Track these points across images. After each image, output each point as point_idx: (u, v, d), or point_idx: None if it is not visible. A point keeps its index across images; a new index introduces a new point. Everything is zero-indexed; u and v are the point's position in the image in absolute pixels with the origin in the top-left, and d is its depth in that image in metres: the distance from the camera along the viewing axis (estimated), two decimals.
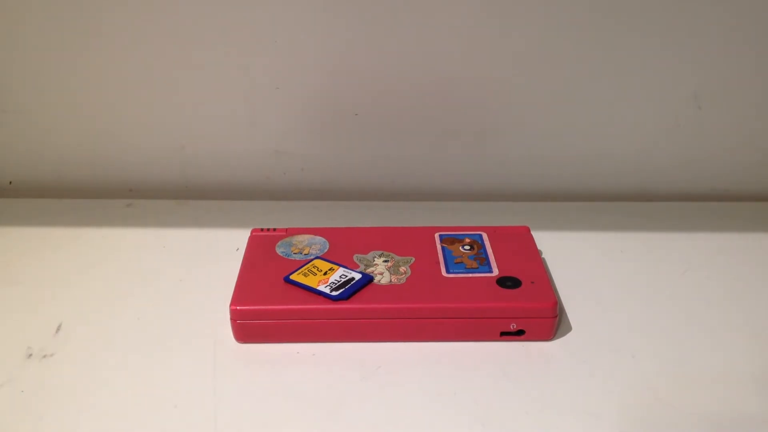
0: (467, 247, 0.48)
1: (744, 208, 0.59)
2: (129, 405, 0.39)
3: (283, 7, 0.54)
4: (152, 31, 0.55)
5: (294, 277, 0.44)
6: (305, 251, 0.48)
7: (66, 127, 0.59)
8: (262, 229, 0.50)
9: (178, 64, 0.56)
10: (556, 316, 0.43)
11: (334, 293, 0.43)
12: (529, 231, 0.50)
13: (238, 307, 0.42)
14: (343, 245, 0.48)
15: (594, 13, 0.53)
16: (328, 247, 0.48)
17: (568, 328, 0.44)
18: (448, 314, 0.43)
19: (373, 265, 0.46)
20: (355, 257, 0.47)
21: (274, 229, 0.50)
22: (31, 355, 0.42)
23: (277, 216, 0.58)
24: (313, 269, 0.45)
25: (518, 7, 0.53)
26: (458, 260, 0.46)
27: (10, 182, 0.62)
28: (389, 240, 0.48)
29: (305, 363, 0.42)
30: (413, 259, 0.47)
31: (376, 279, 0.45)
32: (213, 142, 0.60)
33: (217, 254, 0.52)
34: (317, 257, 0.47)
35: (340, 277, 0.44)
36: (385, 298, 0.43)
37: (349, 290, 0.43)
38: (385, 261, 0.46)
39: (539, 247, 0.49)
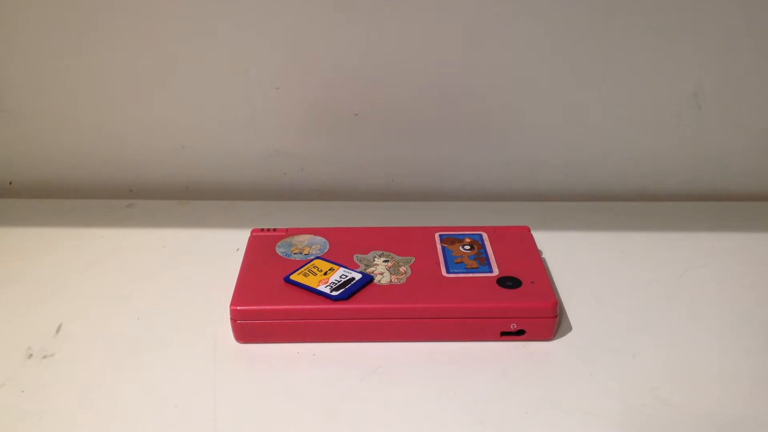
0: (467, 247, 0.48)
1: (744, 208, 0.59)
2: (129, 405, 0.39)
3: (283, 7, 0.54)
4: (152, 31, 0.55)
5: (294, 277, 0.44)
6: (305, 251, 0.48)
7: (66, 127, 0.59)
8: (262, 229, 0.50)
9: (178, 64, 0.56)
10: (556, 316, 0.43)
11: (335, 293, 0.43)
12: (529, 231, 0.50)
13: (238, 307, 0.42)
14: (343, 245, 0.48)
15: (594, 13, 0.54)
16: (328, 247, 0.48)
17: (568, 328, 0.44)
18: (448, 314, 0.43)
19: (373, 265, 0.46)
20: (355, 257, 0.47)
21: (274, 229, 0.50)
22: (31, 355, 0.42)
23: (277, 216, 0.58)
24: (313, 269, 0.45)
25: (519, 7, 0.53)
26: (458, 260, 0.46)
27: (11, 182, 0.62)
28: (389, 240, 0.48)
29: (305, 363, 0.42)
30: (413, 259, 0.47)
31: (377, 279, 0.44)
32: (213, 142, 0.60)
33: (217, 254, 0.52)
34: (317, 257, 0.47)
35: (341, 277, 0.44)
36: (385, 298, 0.43)
37: (349, 290, 0.43)
38: (385, 261, 0.46)
39: (539, 247, 0.49)
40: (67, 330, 0.45)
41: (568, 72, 0.56)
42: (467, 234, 0.49)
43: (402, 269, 0.45)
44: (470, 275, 0.45)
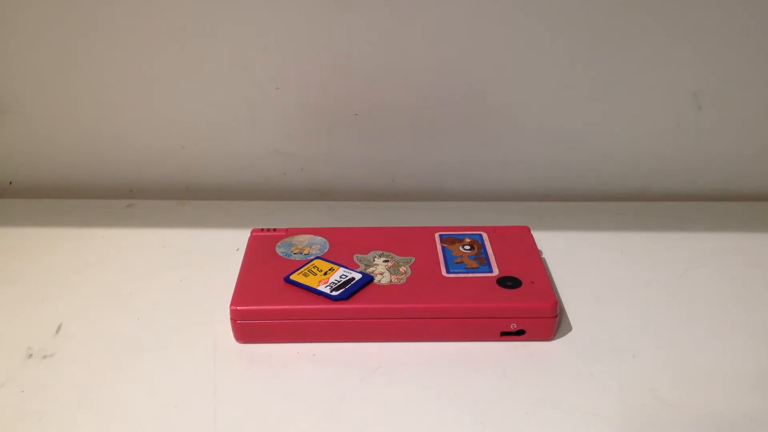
0: (467, 247, 0.48)
1: (744, 208, 0.59)
2: (129, 405, 0.39)
3: (283, 7, 0.54)
4: (152, 31, 0.55)
5: (294, 277, 0.44)
6: (305, 251, 0.48)
7: (66, 127, 0.59)
8: (262, 229, 0.50)
9: (178, 64, 0.56)
10: (556, 316, 0.43)
11: (335, 293, 0.43)
12: (529, 231, 0.50)
13: (238, 307, 0.42)
14: (343, 245, 0.48)
15: (594, 13, 0.54)
16: (328, 247, 0.48)
17: (568, 328, 0.44)
18: (448, 314, 0.43)
19: (373, 265, 0.46)
20: (355, 257, 0.47)
21: (274, 229, 0.50)
22: (31, 355, 0.42)
23: (277, 216, 0.58)
24: (313, 269, 0.45)
25: (518, 8, 0.53)
26: (458, 260, 0.46)
27: (11, 182, 0.62)
28: (389, 240, 0.48)
29: (305, 363, 0.42)
30: (413, 259, 0.47)
31: (377, 279, 0.44)
32: (213, 142, 0.60)
33: (217, 254, 0.52)
34: (317, 257, 0.47)
35: (341, 277, 0.44)
36: (385, 298, 0.43)
37: (350, 290, 0.43)
38: (386, 261, 0.46)
39: (539, 247, 0.49)
40: (67, 330, 0.45)
41: (568, 72, 0.56)
42: (467, 234, 0.49)
43: (402, 269, 0.45)
44: (470, 275, 0.45)
